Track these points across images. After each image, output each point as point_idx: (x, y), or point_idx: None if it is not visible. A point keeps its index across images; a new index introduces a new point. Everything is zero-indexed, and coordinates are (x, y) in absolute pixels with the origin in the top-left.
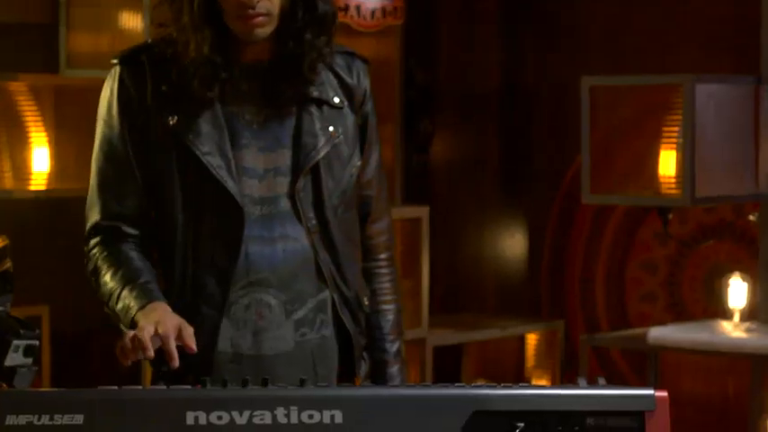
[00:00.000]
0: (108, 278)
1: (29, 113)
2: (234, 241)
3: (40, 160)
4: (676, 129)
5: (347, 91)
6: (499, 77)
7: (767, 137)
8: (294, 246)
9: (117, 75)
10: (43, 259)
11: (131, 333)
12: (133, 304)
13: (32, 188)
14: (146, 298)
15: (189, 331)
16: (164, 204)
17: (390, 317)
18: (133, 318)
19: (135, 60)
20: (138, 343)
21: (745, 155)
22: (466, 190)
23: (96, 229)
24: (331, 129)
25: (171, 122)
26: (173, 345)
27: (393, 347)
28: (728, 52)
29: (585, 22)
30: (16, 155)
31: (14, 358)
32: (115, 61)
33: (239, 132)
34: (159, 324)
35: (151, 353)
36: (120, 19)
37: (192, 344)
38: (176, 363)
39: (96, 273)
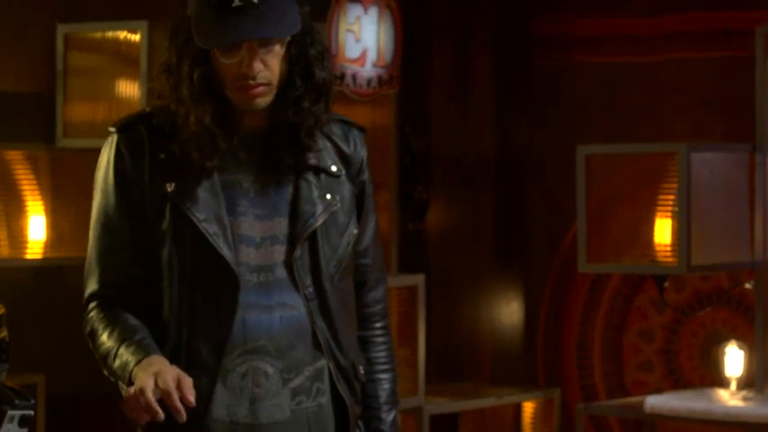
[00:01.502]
0: (105, 338)
1: (25, 182)
2: (228, 309)
3: (37, 229)
4: (672, 197)
5: (344, 159)
6: (494, 146)
7: (762, 204)
8: (291, 314)
9: (114, 143)
10: (39, 328)
11: (132, 390)
12: (131, 359)
13: (28, 256)
14: (142, 353)
15: (188, 382)
16: (160, 271)
17: (386, 386)
18: (131, 373)
19: (132, 129)
20: (145, 404)
21: (740, 222)
22: (461, 258)
23: (93, 297)
24: (328, 196)
25: (168, 189)
26: (176, 400)
27: (389, 417)
28: (721, 119)
29: (579, 91)
30: (12, 223)
31: (9, 429)
32: (113, 129)
33: (236, 200)
34: (158, 376)
35: (161, 415)
36: (116, 88)
37: (192, 396)
38: (183, 417)
39: (93, 335)
